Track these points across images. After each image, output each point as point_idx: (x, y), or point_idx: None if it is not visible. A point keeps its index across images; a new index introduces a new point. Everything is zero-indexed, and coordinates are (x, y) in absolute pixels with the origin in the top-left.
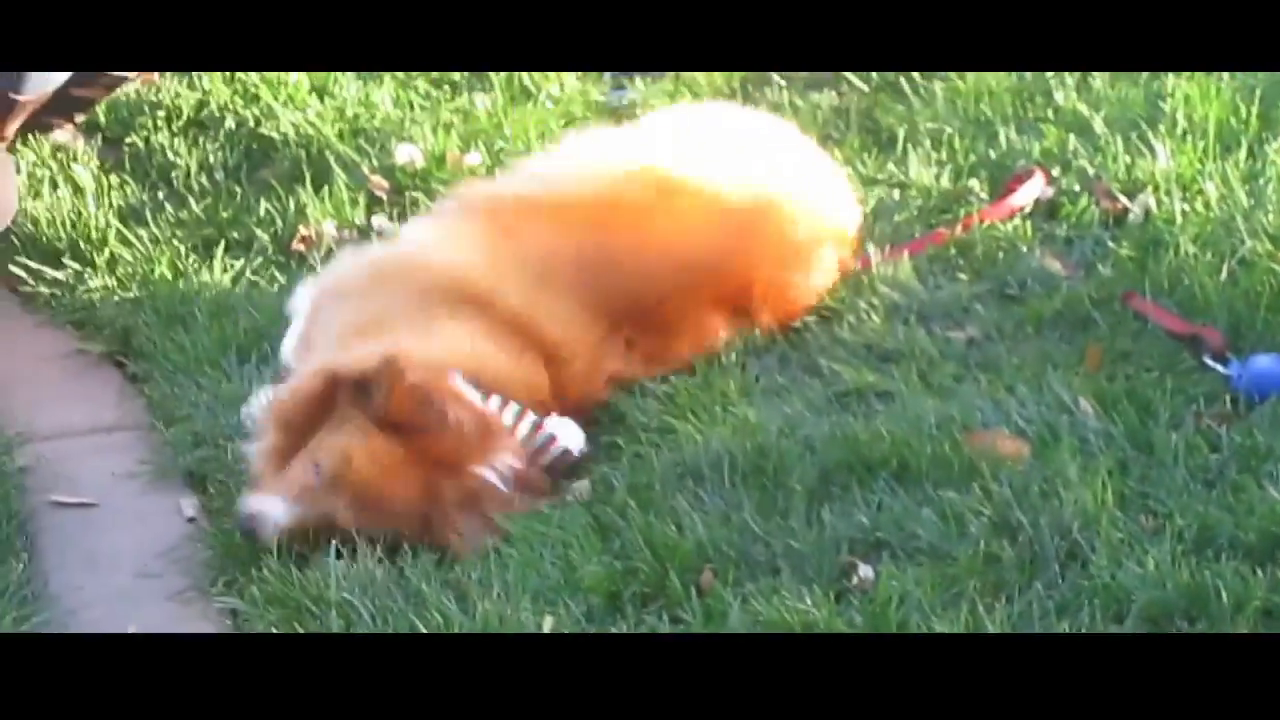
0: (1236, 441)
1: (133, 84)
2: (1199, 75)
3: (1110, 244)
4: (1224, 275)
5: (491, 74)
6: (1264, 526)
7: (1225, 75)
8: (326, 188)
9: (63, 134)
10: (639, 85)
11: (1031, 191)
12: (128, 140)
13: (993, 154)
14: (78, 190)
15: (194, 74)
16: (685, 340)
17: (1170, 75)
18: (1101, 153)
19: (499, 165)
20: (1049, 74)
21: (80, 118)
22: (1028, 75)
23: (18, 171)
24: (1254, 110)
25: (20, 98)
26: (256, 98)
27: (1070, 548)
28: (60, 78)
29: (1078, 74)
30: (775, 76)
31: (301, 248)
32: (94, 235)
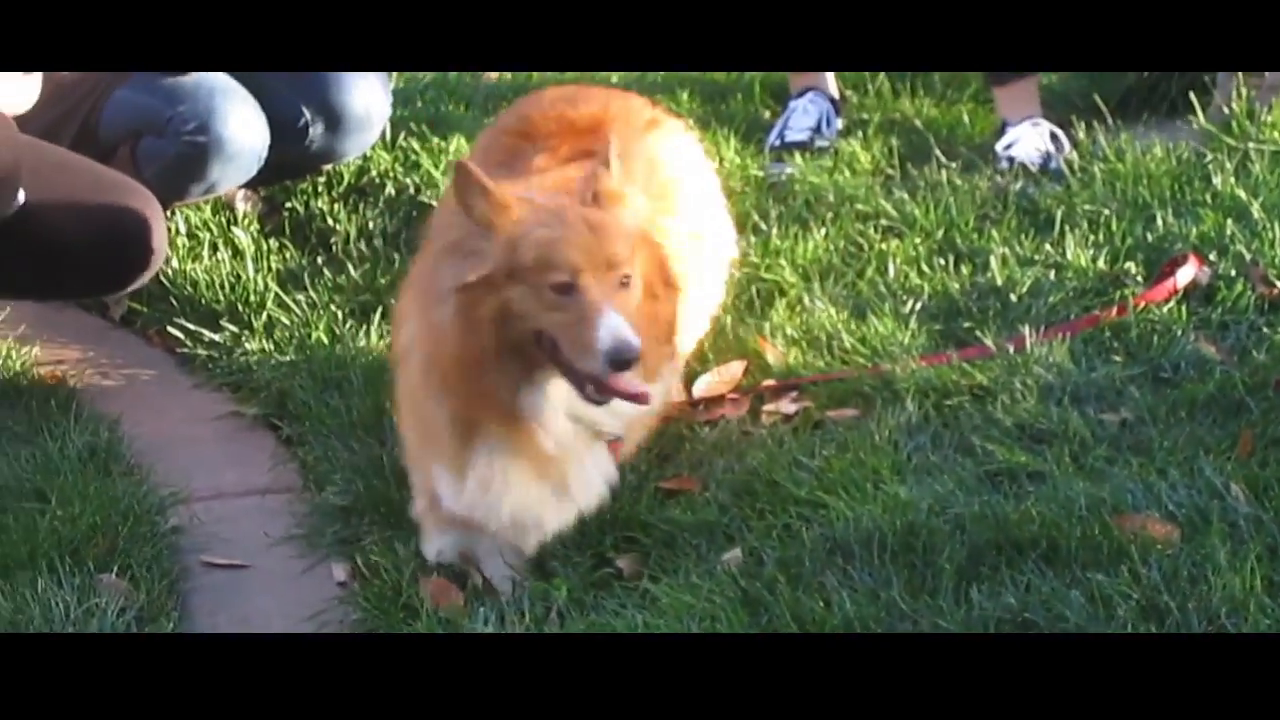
0: None
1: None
2: None
3: (1265, 329)
4: None
5: None
6: None
7: None
8: None
9: (240, 200)
10: (798, 160)
11: (1186, 275)
12: (288, 204)
13: (1149, 237)
14: (237, 253)
15: None
16: None
17: None
18: (1259, 238)
19: None
20: (1208, 157)
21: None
22: (1186, 158)
23: (178, 233)
24: None
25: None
26: (417, 165)
27: (1218, 633)
28: None
29: (1237, 158)
30: (937, 154)
31: None
32: (252, 298)
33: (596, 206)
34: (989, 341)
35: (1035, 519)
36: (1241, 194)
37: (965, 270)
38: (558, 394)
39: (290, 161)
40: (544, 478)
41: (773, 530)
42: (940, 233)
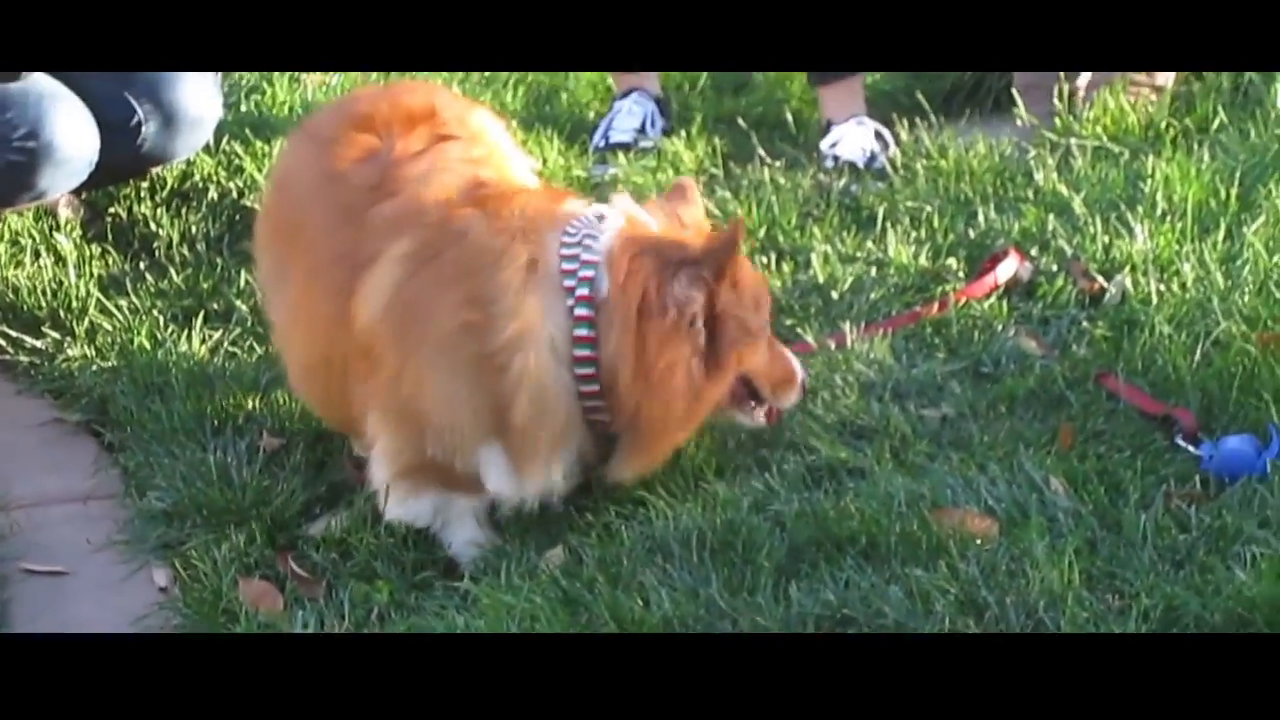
0: (1205, 522)
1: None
2: (1179, 156)
3: (1086, 324)
4: (1198, 356)
5: None
6: (1229, 607)
7: (1206, 157)
8: None
9: (63, 206)
10: (621, 160)
11: (1007, 270)
12: (110, 210)
13: (971, 233)
14: (59, 259)
15: None
16: None
17: (1150, 156)
18: (1080, 233)
19: None
20: (1030, 153)
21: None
22: (1009, 154)
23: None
24: (1233, 192)
25: None
26: (240, 169)
27: (1035, 626)
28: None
29: (1059, 154)
30: (760, 153)
31: None
32: (74, 304)
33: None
34: (810, 339)
35: (855, 515)
36: (1063, 189)
37: (787, 268)
38: None
39: (120, 163)
40: None
41: (593, 529)
42: (763, 231)
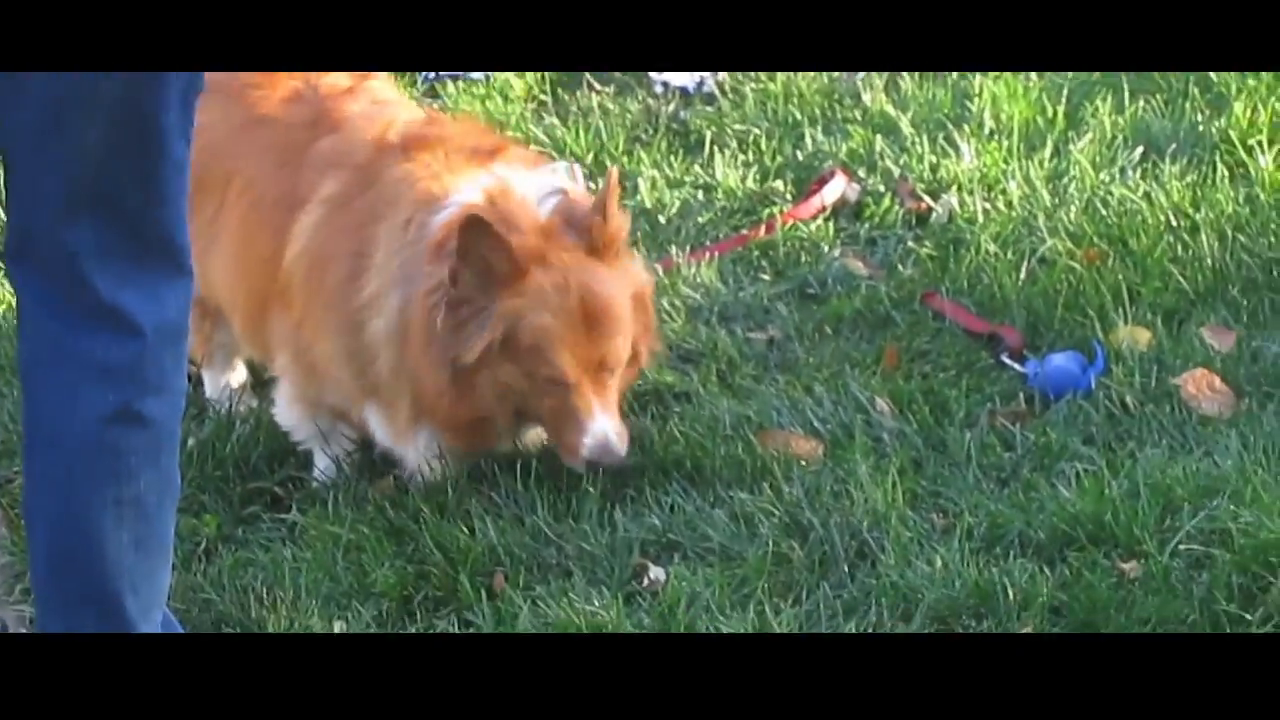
0: (1030, 440)
1: None
2: (1007, 75)
3: (912, 244)
4: (1023, 274)
5: None
6: (1053, 524)
7: (1033, 75)
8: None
9: None
10: (450, 89)
11: (834, 191)
12: None
13: (799, 155)
14: None
15: None
16: None
17: (978, 75)
18: (907, 153)
19: None
20: (859, 75)
21: None
22: (837, 76)
23: None
24: (1060, 110)
25: None
26: None
27: (860, 547)
28: None
29: (886, 75)
30: (588, 79)
31: None
32: None
33: (598, 260)
34: None
35: (679, 440)
36: (890, 110)
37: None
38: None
39: None
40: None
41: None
42: (590, 157)
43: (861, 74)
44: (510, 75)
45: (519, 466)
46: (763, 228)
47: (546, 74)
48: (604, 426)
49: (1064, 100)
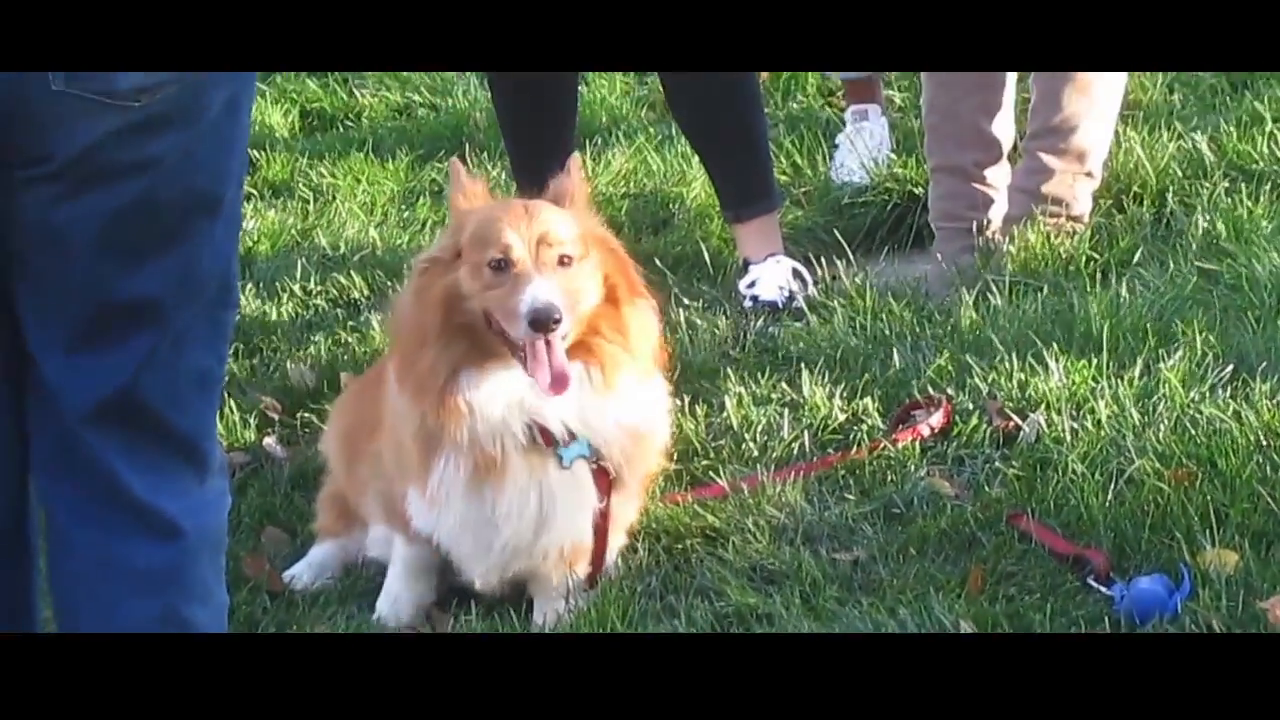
0: None
1: None
2: (1099, 290)
3: (999, 463)
4: (1110, 495)
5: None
6: None
7: (1123, 291)
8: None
9: None
10: None
11: (936, 422)
12: None
13: (888, 373)
14: None
15: None
16: None
17: (1069, 292)
18: (995, 370)
19: None
20: (948, 291)
21: None
22: (927, 291)
23: None
24: (1150, 327)
25: None
26: None
27: None
28: None
29: (977, 290)
30: (675, 293)
31: None
32: None
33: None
34: (723, 482)
35: None
36: (980, 327)
37: (701, 411)
38: (503, 387)
39: None
40: (497, 493)
41: None
42: (677, 373)
43: (950, 289)
44: None
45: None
46: (855, 450)
47: None
48: (542, 286)
49: (1155, 316)
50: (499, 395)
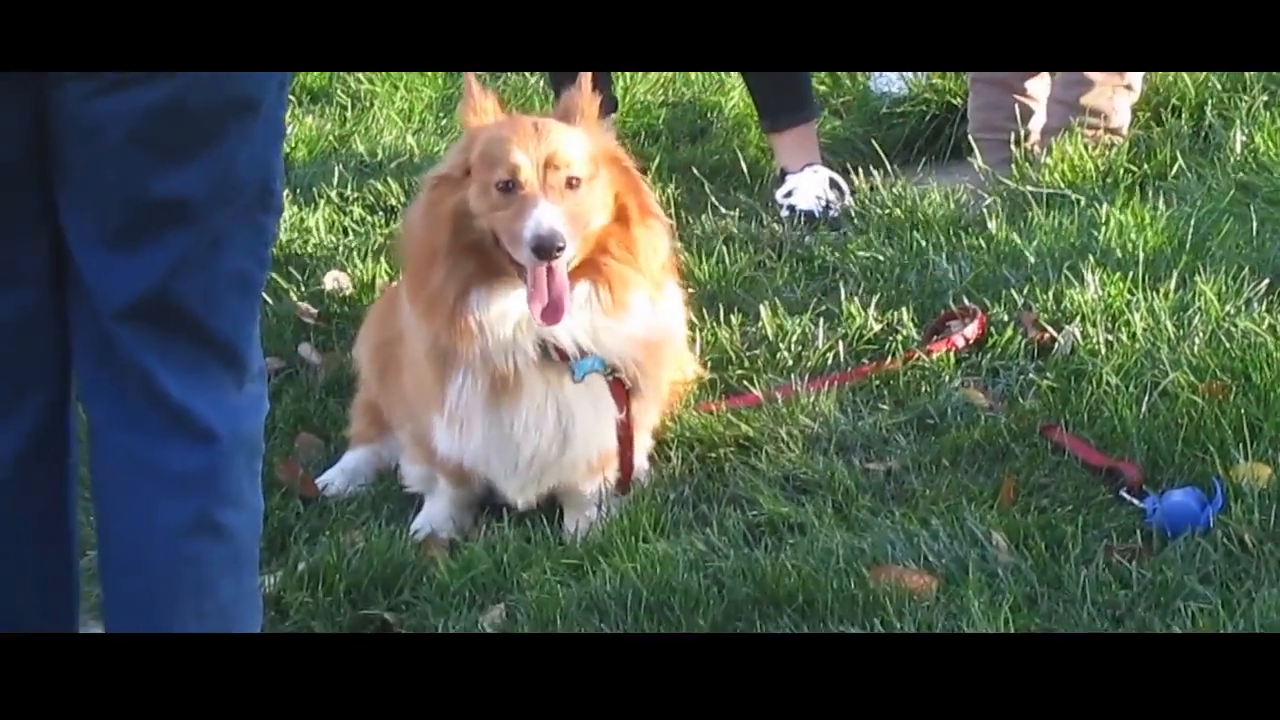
0: (1146, 578)
1: None
2: (1134, 204)
3: (1033, 375)
4: (1145, 407)
5: None
6: None
7: (1160, 204)
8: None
9: None
10: None
11: (970, 333)
12: None
13: (923, 284)
14: None
15: None
16: None
17: (1105, 204)
18: (1031, 282)
19: None
20: (986, 201)
21: None
22: (963, 202)
23: None
24: (1188, 240)
25: None
26: None
27: None
28: None
29: (1013, 203)
30: (712, 201)
31: None
32: None
33: (564, 122)
34: (758, 391)
35: (792, 572)
36: (1016, 239)
37: (736, 320)
38: (513, 306)
39: None
40: (514, 410)
41: (531, 589)
42: (713, 283)
43: (988, 200)
44: None
45: (629, 598)
46: (890, 360)
47: (671, 196)
48: (547, 210)
49: (1192, 229)
50: (509, 313)
